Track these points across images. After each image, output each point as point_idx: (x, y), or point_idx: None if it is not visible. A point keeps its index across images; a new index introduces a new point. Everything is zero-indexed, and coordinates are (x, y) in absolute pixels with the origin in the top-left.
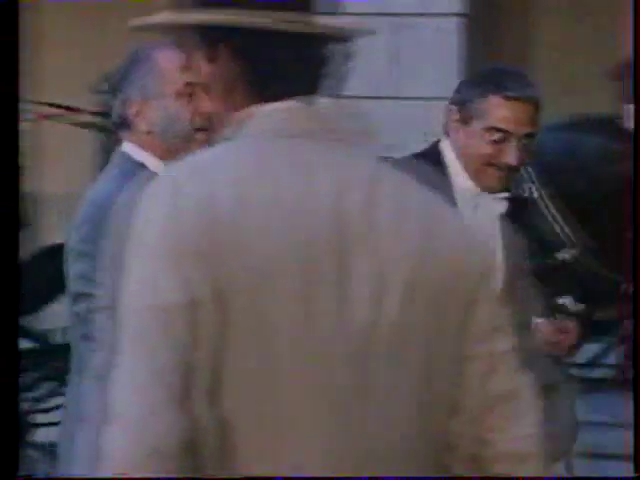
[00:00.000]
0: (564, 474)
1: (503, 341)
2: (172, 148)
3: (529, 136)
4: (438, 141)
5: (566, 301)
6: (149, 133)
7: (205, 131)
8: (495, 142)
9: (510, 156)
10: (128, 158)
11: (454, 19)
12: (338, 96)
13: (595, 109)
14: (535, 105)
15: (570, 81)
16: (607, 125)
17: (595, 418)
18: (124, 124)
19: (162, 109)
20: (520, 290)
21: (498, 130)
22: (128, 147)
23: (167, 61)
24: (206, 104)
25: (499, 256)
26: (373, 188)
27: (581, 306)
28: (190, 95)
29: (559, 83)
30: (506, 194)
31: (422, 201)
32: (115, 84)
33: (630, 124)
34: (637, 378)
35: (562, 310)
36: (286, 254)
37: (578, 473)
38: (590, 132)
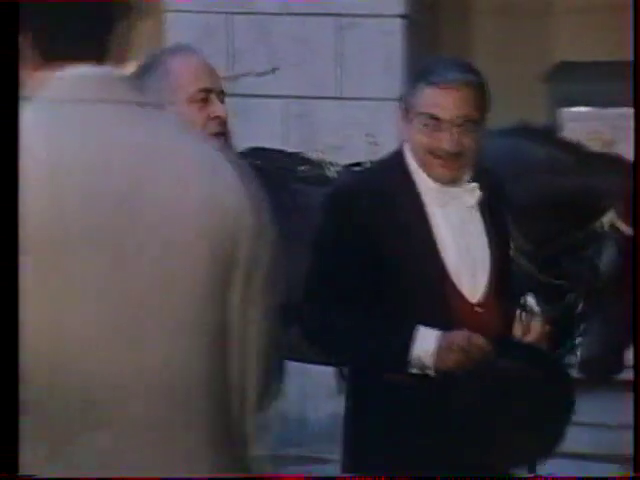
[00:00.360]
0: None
1: (255, 317)
2: None
3: (468, 121)
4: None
5: (528, 299)
6: None
7: (220, 135)
8: (430, 130)
9: (445, 142)
10: None
11: (398, 20)
12: (283, 96)
13: (531, 111)
14: (470, 89)
15: (507, 82)
16: (548, 134)
17: None
18: None
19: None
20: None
21: (430, 117)
22: None
23: (181, 67)
24: (220, 109)
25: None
26: (156, 155)
27: (538, 307)
28: (203, 100)
29: (497, 84)
30: (474, 184)
31: (203, 163)
32: None
33: (563, 129)
34: (637, 378)
35: (525, 309)
36: (74, 214)
37: None
38: (531, 139)
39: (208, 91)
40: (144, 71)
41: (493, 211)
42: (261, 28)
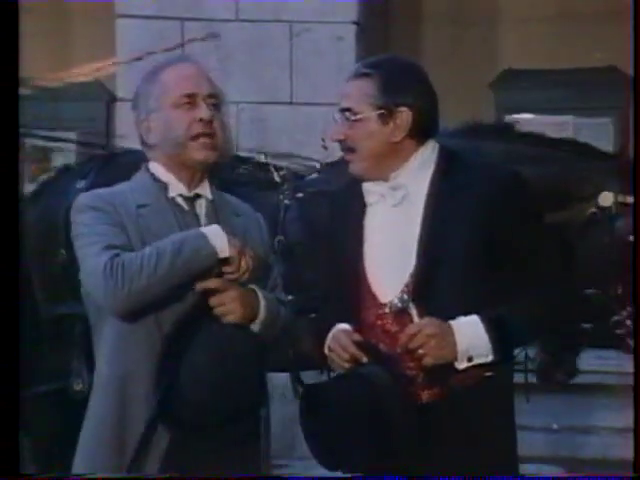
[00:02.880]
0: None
1: None
2: (172, 157)
3: (343, 110)
4: None
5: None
6: (155, 147)
7: (204, 136)
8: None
9: (329, 132)
10: (146, 169)
11: (350, 27)
12: (236, 102)
13: (476, 117)
14: (350, 81)
15: (454, 88)
16: (505, 130)
17: None
18: (140, 141)
19: (160, 121)
20: None
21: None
22: (150, 162)
23: (169, 75)
24: (203, 112)
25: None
26: None
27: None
28: (189, 104)
29: (444, 90)
30: (399, 182)
31: None
32: (133, 104)
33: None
34: (637, 378)
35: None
36: None
37: None
38: (488, 138)
39: (193, 96)
40: (140, 85)
41: (447, 209)
42: (213, 34)
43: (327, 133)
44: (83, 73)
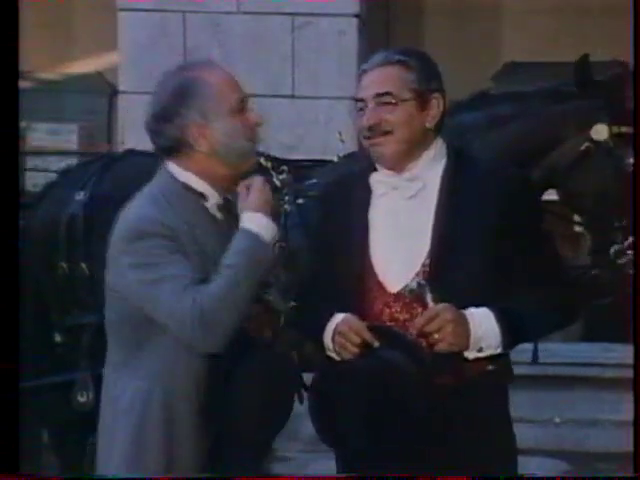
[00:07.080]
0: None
1: None
2: (234, 166)
3: (387, 94)
4: None
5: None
6: (211, 155)
7: (254, 142)
8: (359, 113)
9: (364, 119)
10: (172, 178)
11: (352, 20)
12: None
13: None
14: (392, 67)
15: (458, 81)
16: (482, 97)
17: None
18: (176, 148)
19: (222, 129)
20: None
21: (358, 101)
22: (173, 168)
23: (218, 80)
24: (258, 116)
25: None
26: None
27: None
28: (241, 110)
29: (447, 83)
30: (415, 174)
31: None
32: (166, 111)
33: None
34: (637, 378)
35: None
36: None
37: None
38: (468, 110)
39: (244, 101)
40: (178, 93)
41: (460, 201)
42: (215, 27)
43: (356, 121)
44: (85, 66)
